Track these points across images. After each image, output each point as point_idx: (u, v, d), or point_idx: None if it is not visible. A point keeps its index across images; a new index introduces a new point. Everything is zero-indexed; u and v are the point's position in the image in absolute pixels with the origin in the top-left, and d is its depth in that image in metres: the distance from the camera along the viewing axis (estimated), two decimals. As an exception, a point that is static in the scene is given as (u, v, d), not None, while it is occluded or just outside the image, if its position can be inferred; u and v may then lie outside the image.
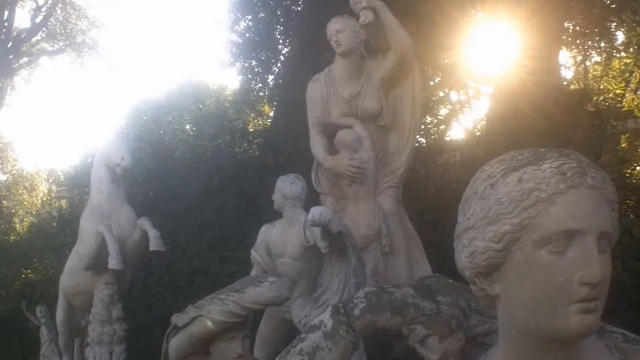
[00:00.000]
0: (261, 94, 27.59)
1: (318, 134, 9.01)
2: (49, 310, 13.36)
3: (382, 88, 8.89)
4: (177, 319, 6.17)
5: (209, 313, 5.93)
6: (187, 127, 25.16)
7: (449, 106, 26.52)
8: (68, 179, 28.66)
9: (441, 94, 25.97)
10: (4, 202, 28.56)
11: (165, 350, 6.35)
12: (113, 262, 10.04)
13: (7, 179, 30.05)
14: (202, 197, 16.72)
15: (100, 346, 10.74)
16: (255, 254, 8.84)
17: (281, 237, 8.25)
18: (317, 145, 8.96)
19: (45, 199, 30.21)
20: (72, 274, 11.21)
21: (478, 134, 24.14)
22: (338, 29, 8.86)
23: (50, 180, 32.77)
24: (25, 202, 29.10)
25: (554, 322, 2.08)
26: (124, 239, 10.49)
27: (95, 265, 10.50)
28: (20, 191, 29.46)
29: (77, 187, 21.14)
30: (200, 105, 27.37)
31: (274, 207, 8.65)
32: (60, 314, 11.67)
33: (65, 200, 26.13)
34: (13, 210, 27.93)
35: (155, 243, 10.34)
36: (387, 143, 9.10)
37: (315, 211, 7.15)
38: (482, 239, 2.26)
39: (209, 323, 5.90)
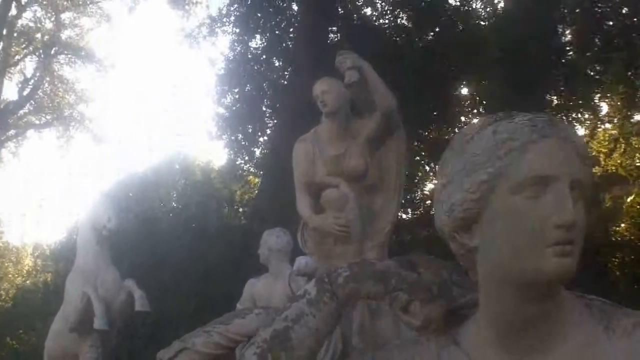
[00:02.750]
0: (247, 166, 27.69)
1: (304, 194, 9.03)
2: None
3: (368, 148, 8.91)
4: (162, 354, 6.15)
5: (194, 345, 5.91)
6: (174, 196, 25.11)
7: (434, 181, 26.68)
8: (54, 254, 28.51)
9: (427, 169, 26.07)
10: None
11: None
12: (99, 322, 10.01)
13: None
14: (188, 264, 16.72)
15: (86, 408, 10.66)
16: (240, 308, 8.81)
17: (267, 291, 8.24)
18: (303, 204, 8.97)
19: (30, 271, 30.13)
20: (57, 336, 11.16)
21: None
22: (324, 90, 8.91)
23: (36, 254, 32.65)
24: (10, 275, 28.98)
25: (532, 265, 2.11)
26: (109, 300, 10.43)
27: (80, 327, 10.45)
28: (6, 264, 29.33)
29: (62, 260, 21.03)
30: (185, 180, 27.39)
31: (260, 261, 8.66)
32: (45, 379, 11.58)
33: (50, 274, 26.07)
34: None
35: (140, 303, 10.31)
36: (373, 202, 9.10)
37: (301, 261, 7.17)
38: (460, 191, 2.30)
39: (194, 356, 5.87)
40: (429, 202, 25.26)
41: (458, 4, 26.88)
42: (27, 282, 28.63)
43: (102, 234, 10.78)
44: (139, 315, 10.82)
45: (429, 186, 26.12)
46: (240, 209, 22.46)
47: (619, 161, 24.25)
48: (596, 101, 23.98)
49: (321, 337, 2.56)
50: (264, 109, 26.88)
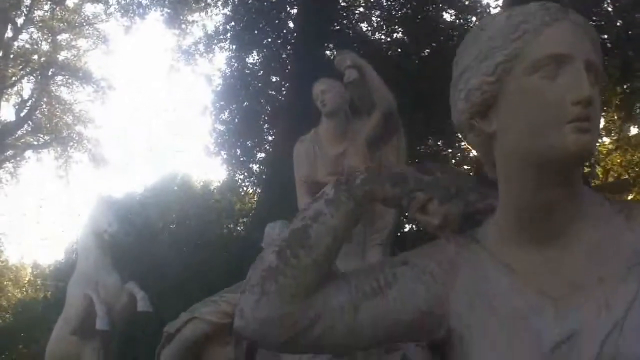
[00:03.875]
0: (246, 181, 27.65)
1: (305, 193, 9.02)
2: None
3: (367, 147, 8.92)
4: (169, 326, 6.15)
5: (202, 314, 5.89)
6: (174, 209, 25.02)
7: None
8: (53, 273, 28.45)
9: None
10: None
11: None
12: (100, 323, 10.02)
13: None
14: (186, 276, 16.69)
15: (87, 413, 10.64)
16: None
17: None
18: (304, 204, 8.96)
19: (29, 289, 30.06)
20: (58, 340, 11.14)
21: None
22: (323, 90, 8.93)
23: (35, 273, 32.58)
24: (9, 294, 28.90)
25: (551, 143, 2.13)
26: (111, 303, 10.42)
27: (82, 331, 10.45)
28: (5, 282, 29.26)
29: (62, 280, 20.98)
30: (184, 193, 27.31)
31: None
32: (47, 385, 11.55)
33: (49, 292, 26.00)
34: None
35: (142, 304, 10.31)
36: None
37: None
38: (476, 75, 2.33)
39: (202, 324, 5.85)
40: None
41: (454, 17, 26.99)
42: (27, 298, 28.52)
43: (103, 238, 10.81)
44: (139, 325, 10.80)
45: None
46: (240, 220, 22.39)
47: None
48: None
49: (339, 237, 2.56)
50: (261, 124, 26.90)
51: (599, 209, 2.38)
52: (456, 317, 2.42)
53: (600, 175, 24.49)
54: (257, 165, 26.90)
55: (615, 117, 24.03)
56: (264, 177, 24.18)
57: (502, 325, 2.29)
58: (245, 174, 27.32)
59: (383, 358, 8.43)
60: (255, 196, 25.73)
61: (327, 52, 24.42)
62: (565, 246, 2.32)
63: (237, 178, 27.31)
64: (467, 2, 27.71)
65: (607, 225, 2.33)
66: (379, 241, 8.96)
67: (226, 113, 27.37)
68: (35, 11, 41.01)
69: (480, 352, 2.31)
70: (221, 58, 35.29)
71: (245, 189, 27.95)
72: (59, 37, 41.51)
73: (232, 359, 6.04)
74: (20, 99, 40.92)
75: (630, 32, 21.10)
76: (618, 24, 21.72)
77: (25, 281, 31.08)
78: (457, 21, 26.91)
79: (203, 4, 28.77)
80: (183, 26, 29.59)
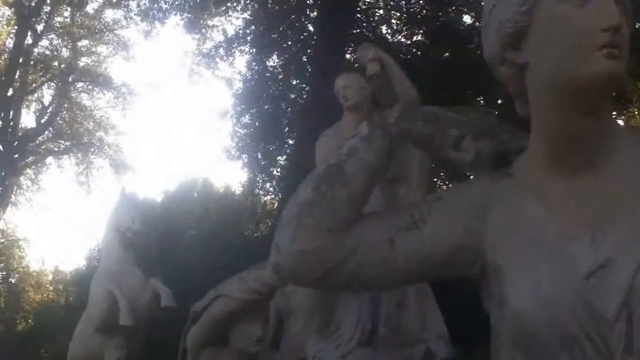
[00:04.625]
0: (267, 184, 27.68)
1: None
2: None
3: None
4: (196, 305, 6.15)
5: (229, 292, 5.88)
6: (195, 211, 25.04)
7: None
8: (74, 279, 28.50)
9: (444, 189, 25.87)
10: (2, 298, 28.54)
11: (183, 351, 6.30)
12: (124, 318, 10.01)
13: (13, 276, 30.01)
14: (208, 279, 16.68)
15: (110, 409, 10.62)
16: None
17: None
18: None
19: (50, 295, 30.14)
20: (81, 338, 11.12)
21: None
22: (345, 85, 8.94)
23: (57, 279, 32.67)
24: (30, 299, 28.99)
25: (581, 70, 2.14)
26: (134, 300, 10.37)
27: (105, 328, 10.45)
28: (27, 288, 29.36)
29: (83, 286, 21.00)
30: (206, 196, 27.35)
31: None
32: (69, 383, 11.54)
33: (71, 297, 26.05)
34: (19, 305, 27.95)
35: (166, 299, 10.28)
36: (395, 194, 9.10)
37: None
38: (507, 7, 2.36)
39: (229, 302, 5.84)
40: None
41: (474, 20, 26.94)
42: (48, 303, 28.59)
43: (126, 235, 10.80)
44: (162, 324, 10.77)
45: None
46: (262, 222, 22.41)
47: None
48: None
49: (374, 173, 2.57)
50: (282, 127, 26.91)
51: (631, 138, 2.41)
52: (491, 250, 2.44)
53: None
54: (278, 169, 26.91)
55: (636, 113, 23.92)
56: (284, 181, 24.19)
57: (538, 254, 2.31)
58: (266, 177, 27.36)
59: (407, 352, 8.43)
60: (277, 199, 25.73)
61: (347, 55, 24.42)
62: (599, 176, 2.34)
63: (258, 181, 27.36)
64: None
65: (638, 152, 2.35)
66: None
67: (247, 116, 27.45)
68: (55, 18, 41.16)
69: (516, 281, 2.33)
70: (241, 61, 35.24)
71: (266, 192, 28.01)
72: (79, 44, 41.62)
73: (260, 336, 6.04)
74: (40, 106, 41.15)
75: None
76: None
77: (47, 287, 31.13)
78: (477, 24, 26.81)
79: (223, 8, 28.76)
80: (203, 30, 29.63)
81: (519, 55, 2.41)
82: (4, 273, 30.30)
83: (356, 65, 8.98)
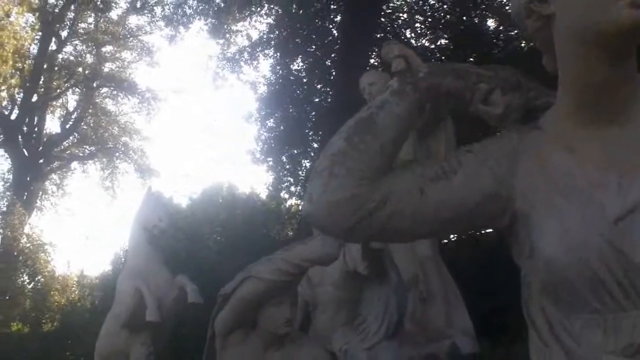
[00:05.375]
0: (292, 188, 27.68)
1: None
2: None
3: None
4: (224, 289, 6.16)
5: (257, 273, 5.90)
6: (220, 221, 25.06)
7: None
8: (100, 283, 28.62)
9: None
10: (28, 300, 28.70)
11: (211, 335, 6.30)
12: (151, 315, 10.04)
13: (39, 280, 30.10)
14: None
15: (136, 405, 10.64)
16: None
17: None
18: None
19: (76, 298, 30.21)
20: (107, 335, 11.16)
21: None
22: (371, 82, 8.98)
23: (82, 283, 32.77)
24: (56, 303, 29.07)
25: (606, 18, 2.16)
26: (161, 297, 10.42)
27: (132, 325, 10.48)
28: (52, 292, 29.44)
29: (109, 290, 21.08)
30: (232, 197, 27.40)
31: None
32: (96, 380, 11.59)
33: (97, 301, 26.15)
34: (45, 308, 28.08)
35: (193, 295, 10.31)
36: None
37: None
38: None
39: (258, 283, 5.84)
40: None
41: (497, 24, 26.86)
42: (73, 306, 28.67)
43: (153, 233, 10.84)
44: (188, 324, 10.79)
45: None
46: (288, 222, 22.42)
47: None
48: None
49: (404, 126, 2.60)
50: (307, 131, 26.93)
51: None
52: (521, 199, 2.48)
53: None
54: (303, 172, 26.87)
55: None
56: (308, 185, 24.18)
57: (567, 202, 2.35)
58: (291, 180, 27.39)
59: (432, 347, 8.43)
60: (302, 203, 25.67)
61: (372, 60, 24.42)
62: (625, 125, 2.38)
63: (283, 184, 27.38)
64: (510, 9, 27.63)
65: None
66: None
67: (271, 120, 27.49)
68: (80, 24, 41.47)
69: (545, 228, 2.37)
70: (266, 65, 35.45)
71: (291, 195, 28.02)
72: (104, 49, 41.85)
73: (289, 318, 6.04)
74: (65, 111, 41.43)
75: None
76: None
77: (72, 290, 31.22)
78: (501, 27, 26.77)
79: (247, 13, 28.79)
80: (227, 35, 29.66)
81: (544, 7, 2.44)
82: (30, 276, 30.35)
83: (381, 64, 9.01)
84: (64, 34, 40.79)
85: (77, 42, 41.89)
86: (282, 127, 26.69)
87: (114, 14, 41.25)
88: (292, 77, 27.35)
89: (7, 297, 26.71)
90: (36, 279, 30.15)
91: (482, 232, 22.00)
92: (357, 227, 2.46)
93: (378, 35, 25.58)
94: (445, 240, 21.30)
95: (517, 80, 2.71)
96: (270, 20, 29.12)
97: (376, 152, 2.50)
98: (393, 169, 2.57)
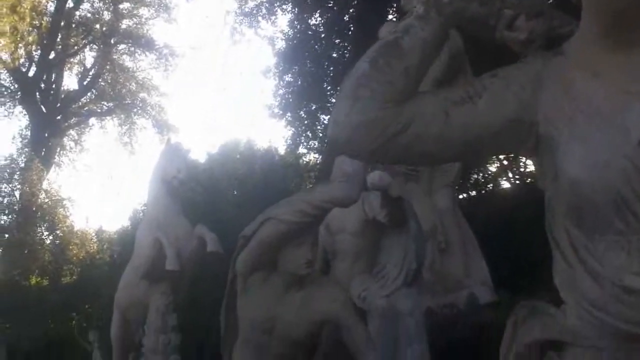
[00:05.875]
0: (310, 143, 27.59)
1: None
2: (102, 335, 13.40)
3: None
4: (245, 230, 6.14)
5: (277, 215, 5.87)
6: (238, 177, 25.02)
7: (496, 163, 25.81)
8: (118, 238, 28.67)
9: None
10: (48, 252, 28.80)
11: (232, 277, 6.30)
12: (171, 263, 10.08)
13: (58, 236, 30.20)
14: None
15: (155, 355, 10.69)
16: None
17: (340, 213, 8.04)
18: None
19: (95, 253, 30.30)
20: (127, 286, 11.23)
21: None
22: (390, 31, 8.93)
23: (101, 238, 32.85)
24: (74, 258, 29.18)
25: None
26: (181, 247, 10.46)
27: (151, 275, 10.53)
28: (71, 247, 29.54)
29: (127, 245, 21.17)
30: (250, 151, 27.34)
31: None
32: (114, 330, 11.69)
33: (115, 255, 26.22)
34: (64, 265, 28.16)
35: (213, 244, 10.34)
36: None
37: (375, 175, 7.14)
38: None
39: (278, 225, 5.81)
40: (490, 185, 24.86)
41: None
42: (93, 258, 28.80)
43: (172, 184, 10.85)
44: (206, 275, 10.79)
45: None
46: (308, 174, 22.39)
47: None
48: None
49: (428, 51, 2.60)
50: (325, 86, 26.75)
51: None
52: (545, 122, 2.47)
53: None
54: (322, 127, 26.73)
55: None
56: (327, 140, 24.10)
57: (591, 124, 2.34)
58: (310, 135, 27.28)
59: (450, 297, 8.44)
60: (320, 158, 25.60)
61: (390, 16, 24.29)
62: None
63: (301, 139, 27.27)
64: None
65: None
66: (447, 182, 8.97)
67: (289, 75, 27.30)
68: (96, -20, 41.26)
69: (570, 150, 2.37)
70: (284, 20, 35.03)
71: (309, 150, 27.93)
72: (121, 6, 41.69)
73: (309, 259, 6.01)
74: (82, 68, 41.36)
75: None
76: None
77: (91, 245, 31.31)
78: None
79: (265, -32, 28.56)
80: (245, -8, 29.45)
81: None
82: (49, 229, 30.48)
83: (400, 19, 8.94)
84: (81, -10, 40.70)
85: (94, -1, 41.80)
86: (300, 82, 26.51)
87: (131, -30, 41.11)
88: (310, 32, 27.11)
89: (26, 252, 26.82)
90: (55, 232, 30.23)
91: (500, 187, 22.02)
92: (382, 149, 2.46)
93: (397, -12, 25.41)
94: (464, 195, 21.36)
95: (541, 6, 2.70)
96: (288, -26, 28.89)
97: (401, 74, 2.49)
98: (418, 92, 2.56)
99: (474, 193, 22.55)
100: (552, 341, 2.46)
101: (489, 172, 24.76)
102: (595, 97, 2.37)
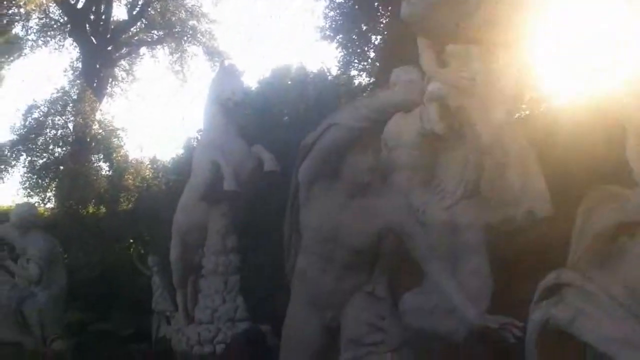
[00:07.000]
0: (362, 64, 27.33)
1: (427, 49, 8.79)
2: (160, 260, 13.53)
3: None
4: (307, 139, 6.10)
5: (339, 120, 5.81)
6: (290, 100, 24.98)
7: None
8: (173, 167, 28.76)
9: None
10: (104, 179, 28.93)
11: (295, 187, 6.28)
12: (228, 183, 10.13)
13: (113, 164, 30.35)
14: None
15: (214, 276, 10.81)
16: None
17: (396, 127, 7.98)
18: (427, 59, 8.66)
19: (150, 180, 30.40)
20: (185, 208, 11.33)
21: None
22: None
23: (155, 166, 32.94)
24: (131, 186, 29.32)
25: None
26: (238, 167, 10.52)
27: (209, 197, 10.61)
28: (126, 175, 29.67)
29: (181, 174, 21.28)
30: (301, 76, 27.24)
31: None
32: (174, 253, 11.83)
33: (170, 183, 26.30)
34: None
35: (270, 164, 10.41)
36: (495, 61, 8.98)
37: (433, 86, 7.10)
38: None
39: (341, 130, 5.74)
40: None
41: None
42: (150, 185, 28.92)
43: (227, 106, 10.87)
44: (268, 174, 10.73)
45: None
46: (361, 95, 22.28)
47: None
48: None
49: None
50: (376, 5, 26.44)
51: None
52: None
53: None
54: (373, 50, 26.49)
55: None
56: (379, 62, 23.91)
57: None
58: (361, 57, 27.01)
59: (509, 209, 8.41)
60: (372, 80, 25.38)
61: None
62: None
63: (353, 61, 27.00)
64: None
65: None
66: (503, 101, 8.86)
67: (339, -4, 26.97)
68: None
69: None
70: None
71: (360, 72, 27.71)
72: None
73: (372, 166, 5.92)
74: (131, -2, 41.08)
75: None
76: None
77: (146, 174, 31.37)
78: None
79: None
80: None
81: None
82: (105, 157, 30.65)
83: None
84: None
85: None
86: (350, 3, 26.21)
87: None
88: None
89: (82, 182, 26.96)
90: (110, 161, 30.41)
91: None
92: (455, 26, 2.48)
93: None
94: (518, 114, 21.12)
95: None
96: None
97: None
98: None
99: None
100: (625, 226, 2.48)
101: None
102: None
